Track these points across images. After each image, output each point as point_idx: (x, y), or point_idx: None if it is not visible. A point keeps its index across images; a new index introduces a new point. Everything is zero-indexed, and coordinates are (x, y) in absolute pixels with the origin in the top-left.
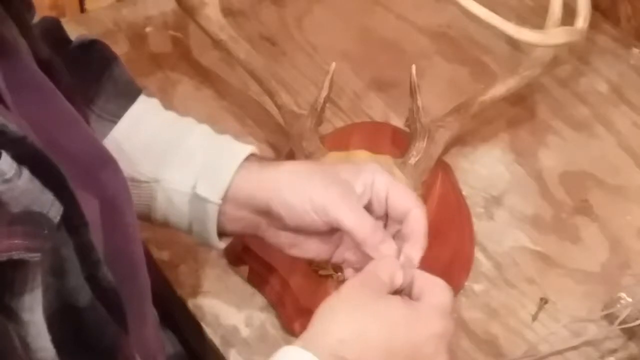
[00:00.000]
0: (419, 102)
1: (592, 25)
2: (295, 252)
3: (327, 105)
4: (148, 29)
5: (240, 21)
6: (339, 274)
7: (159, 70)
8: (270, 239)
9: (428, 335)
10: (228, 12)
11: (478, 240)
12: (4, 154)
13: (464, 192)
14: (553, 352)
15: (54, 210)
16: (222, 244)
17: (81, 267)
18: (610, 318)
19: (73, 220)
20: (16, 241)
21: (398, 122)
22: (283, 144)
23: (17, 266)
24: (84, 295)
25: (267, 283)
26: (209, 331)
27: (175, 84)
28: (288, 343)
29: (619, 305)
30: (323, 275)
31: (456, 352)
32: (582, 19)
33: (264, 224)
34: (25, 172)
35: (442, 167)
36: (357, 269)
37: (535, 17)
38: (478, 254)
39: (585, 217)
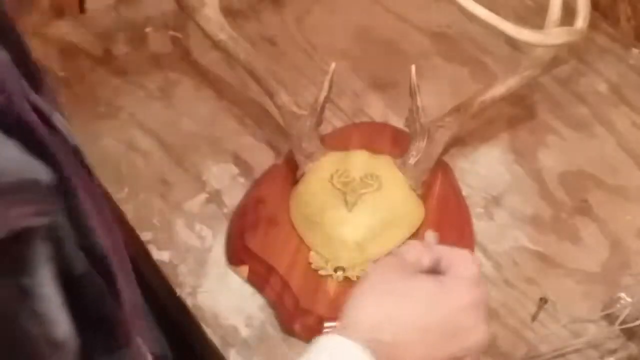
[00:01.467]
0: (419, 102)
1: (592, 25)
2: None
3: (327, 105)
4: (148, 29)
5: (240, 21)
6: (339, 273)
7: (159, 70)
8: None
9: (461, 307)
10: (228, 12)
11: (478, 240)
12: None
13: (463, 192)
14: (554, 355)
15: (45, 176)
16: None
17: (75, 234)
18: (610, 318)
19: (63, 187)
20: (21, 209)
21: (398, 122)
22: (283, 144)
23: (24, 241)
24: (79, 262)
25: (267, 283)
26: (208, 331)
27: (175, 84)
28: (288, 343)
29: (618, 306)
30: (323, 275)
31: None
32: (582, 19)
33: None
34: (11, 142)
35: (441, 167)
36: None
37: (535, 17)
38: (478, 254)
39: (585, 217)
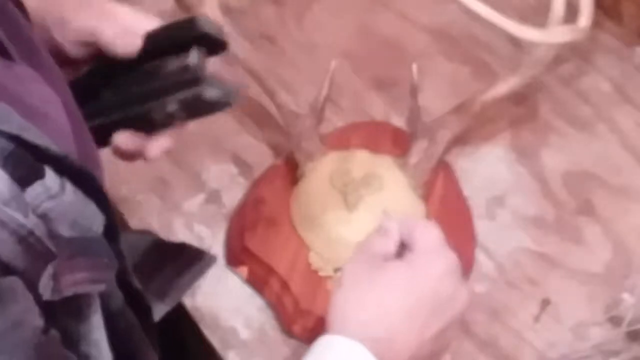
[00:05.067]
0: (420, 102)
1: (595, 23)
2: None
3: (327, 104)
4: None
5: (239, 19)
6: (339, 274)
7: None
8: None
9: (437, 278)
10: (227, 10)
11: (479, 241)
12: (48, 169)
13: (465, 193)
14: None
15: (97, 221)
16: None
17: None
18: (613, 320)
19: (111, 228)
20: (80, 275)
21: (399, 121)
22: (283, 143)
23: (85, 296)
24: (116, 299)
25: (266, 284)
26: (207, 333)
27: None
28: (288, 344)
29: (622, 307)
30: (323, 276)
31: (458, 354)
32: (585, 17)
33: None
34: (68, 185)
35: (443, 167)
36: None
37: (537, 16)
38: (479, 255)
39: (588, 217)
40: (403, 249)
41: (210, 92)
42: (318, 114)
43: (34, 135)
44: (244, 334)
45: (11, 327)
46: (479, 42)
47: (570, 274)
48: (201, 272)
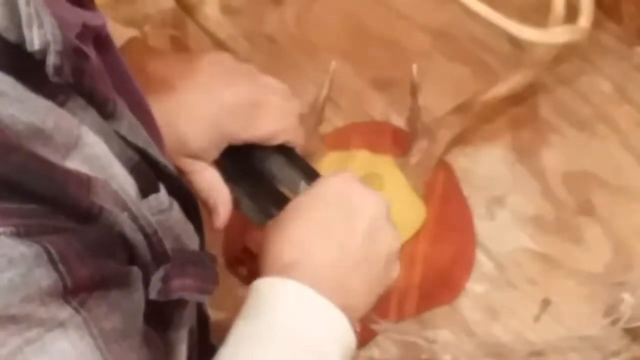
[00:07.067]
0: (420, 102)
1: (595, 23)
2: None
3: (327, 104)
4: (147, 28)
5: (240, 20)
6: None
7: None
8: None
9: (337, 185)
10: (227, 10)
11: (479, 241)
12: (161, 186)
13: (465, 193)
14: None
15: (194, 242)
16: None
17: None
18: (613, 319)
19: (202, 250)
20: (188, 281)
21: (399, 121)
22: None
23: (178, 303)
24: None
25: None
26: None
27: None
28: None
29: (622, 307)
30: None
31: (458, 354)
32: (585, 17)
33: None
34: (175, 204)
35: (443, 167)
36: None
37: (538, 16)
38: (480, 255)
39: (588, 217)
40: None
41: None
42: (318, 114)
43: (156, 153)
44: None
45: (137, 311)
46: (479, 42)
47: (570, 274)
48: None
